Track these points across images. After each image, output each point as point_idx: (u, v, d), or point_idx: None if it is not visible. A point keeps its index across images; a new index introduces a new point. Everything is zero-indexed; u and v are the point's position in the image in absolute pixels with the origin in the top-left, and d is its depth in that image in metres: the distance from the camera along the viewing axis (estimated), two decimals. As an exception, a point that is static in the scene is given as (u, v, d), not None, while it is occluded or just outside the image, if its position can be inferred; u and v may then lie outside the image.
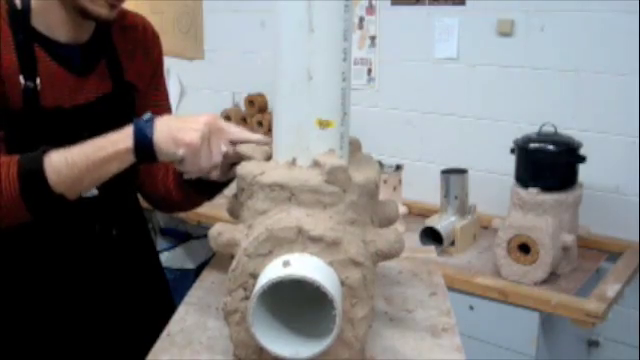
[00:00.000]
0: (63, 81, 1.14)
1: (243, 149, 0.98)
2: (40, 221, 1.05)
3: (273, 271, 0.77)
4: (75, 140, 1.13)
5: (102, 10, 1.10)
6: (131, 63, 1.25)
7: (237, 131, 1.05)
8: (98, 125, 1.17)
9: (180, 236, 3.18)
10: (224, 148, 1.02)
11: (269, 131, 1.07)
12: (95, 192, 1.18)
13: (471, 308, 1.98)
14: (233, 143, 1.03)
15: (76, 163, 1.01)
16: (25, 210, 1.01)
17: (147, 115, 1.03)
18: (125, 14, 1.26)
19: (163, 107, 1.34)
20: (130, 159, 1.02)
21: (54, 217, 1.06)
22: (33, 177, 0.99)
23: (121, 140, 1.01)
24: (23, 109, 1.09)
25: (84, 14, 1.10)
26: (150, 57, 1.30)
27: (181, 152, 1.00)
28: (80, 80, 1.16)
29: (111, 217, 1.23)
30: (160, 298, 1.41)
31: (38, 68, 1.10)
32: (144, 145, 1.00)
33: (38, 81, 1.10)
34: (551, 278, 1.95)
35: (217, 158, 1.02)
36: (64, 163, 1.00)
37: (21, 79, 1.08)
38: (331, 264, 0.80)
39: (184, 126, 1.00)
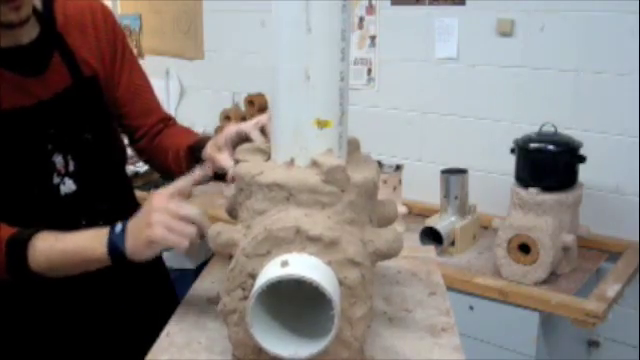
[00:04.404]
0: (16, 84, 1.13)
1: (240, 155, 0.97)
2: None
3: (271, 271, 0.77)
4: (42, 139, 1.15)
5: (10, 16, 1.07)
6: (85, 51, 1.23)
7: (179, 185, 1.04)
8: (64, 120, 1.18)
9: (180, 236, 3.18)
10: (187, 211, 0.99)
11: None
12: (73, 187, 1.19)
13: (471, 308, 1.98)
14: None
15: (56, 261, 1.04)
16: (7, 278, 1.07)
17: (119, 226, 1.02)
18: (66, 3, 1.23)
19: (140, 88, 1.33)
20: (108, 263, 1.03)
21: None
22: (17, 263, 1.04)
23: (97, 248, 1.02)
24: None
25: None
26: (104, 37, 1.27)
27: (155, 250, 0.99)
28: (34, 80, 1.15)
29: (96, 211, 1.23)
30: (161, 296, 1.40)
31: None
32: (118, 256, 1.01)
33: None
34: (551, 278, 1.95)
35: (188, 230, 0.98)
36: (45, 258, 1.04)
37: None
38: (329, 264, 0.80)
39: (140, 226, 0.99)
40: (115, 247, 1.00)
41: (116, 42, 1.29)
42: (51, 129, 1.16)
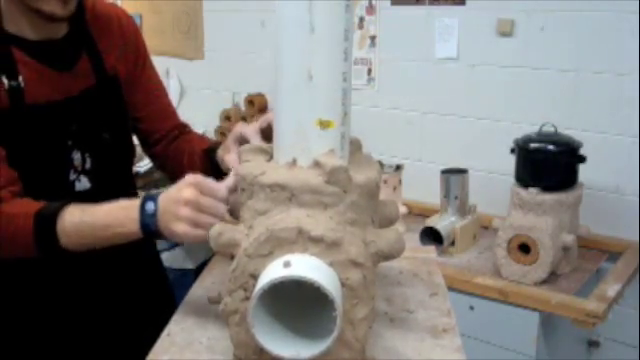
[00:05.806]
0: (45, 78, 1.15)
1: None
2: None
3: (273, 272, 0.77)
4: (63, 134, 1.16)
5: (55, 8, 1.09)
6: (110, 52, 1.25)
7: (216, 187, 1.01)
8: (86, 118, 1.19)
9: (180, 236, 3.17)
10: (222, 192, 0.99)
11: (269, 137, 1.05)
12: (88, 185, 1.19)
13: (471, 308, 1.98)
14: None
15: (86, 235, 1.04)
16: (36, 254, 1.06)
17: (150, 206, 1.01)
18: (95, 4, 1.25)
19: (157, 93, 1.35)
20: (139, 237, 1.04)
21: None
22: (46, 234, 1.04)
23: (127, 224, 1.02)
24: (9, 108, 1.10)
25: (40, 14, 1.10)
26: (129, 43, 1.29)
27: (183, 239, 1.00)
28: (62, 75, 1.17)
29: None
30: (161, 296, 1.41)
31: (18, 68, 1.11)
32: (151, 235, 1.02)
33: (20, 79, 1.11)
34: (551, 278, 1.95)
35: (216, 212, 0.98)
36: (75, 232, 1.04)
37: (4, 79, 1.10)
38: (331, 265, 0.80)
39: (171, 217, 0.98)
40: (148, 228, 1.01)
41: (138, 47, 1.32)
42: (73, 125, 1.17)
